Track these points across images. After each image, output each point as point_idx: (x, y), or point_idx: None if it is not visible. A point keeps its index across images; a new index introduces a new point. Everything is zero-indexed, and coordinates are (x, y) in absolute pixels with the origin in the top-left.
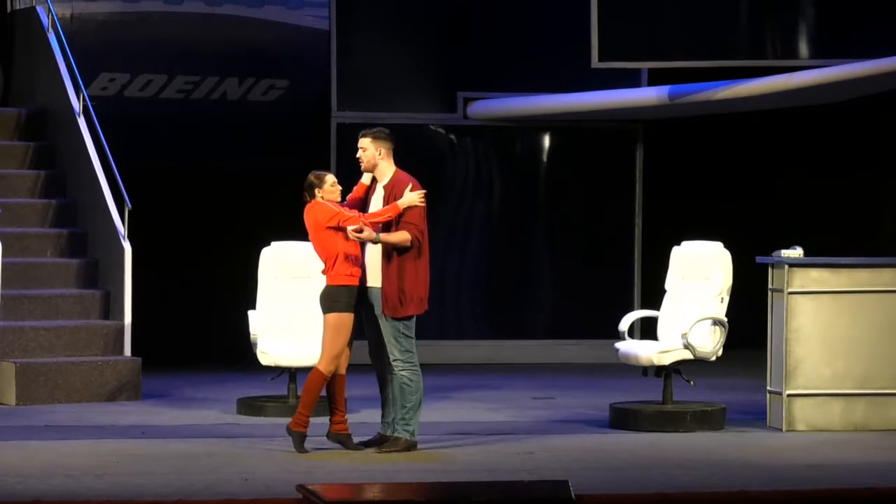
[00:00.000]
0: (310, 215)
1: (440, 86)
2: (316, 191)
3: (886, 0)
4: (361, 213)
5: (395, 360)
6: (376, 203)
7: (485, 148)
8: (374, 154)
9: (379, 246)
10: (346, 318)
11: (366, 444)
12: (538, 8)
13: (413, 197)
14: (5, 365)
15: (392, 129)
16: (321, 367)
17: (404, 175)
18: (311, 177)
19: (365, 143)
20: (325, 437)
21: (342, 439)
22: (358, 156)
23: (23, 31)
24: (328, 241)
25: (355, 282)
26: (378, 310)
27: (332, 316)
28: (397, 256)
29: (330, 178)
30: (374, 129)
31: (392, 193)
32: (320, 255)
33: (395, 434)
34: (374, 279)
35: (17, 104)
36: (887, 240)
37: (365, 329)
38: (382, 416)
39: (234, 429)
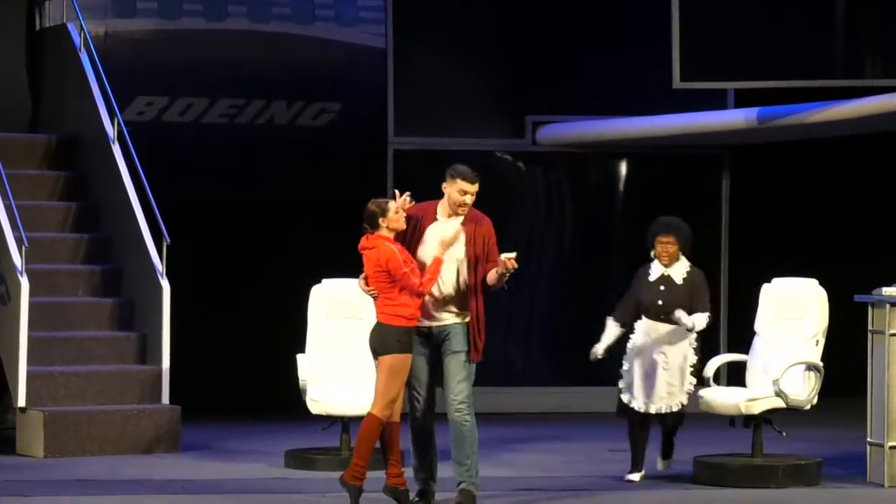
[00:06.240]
0: (371, 252)
1: (507, 109)
2: (380, 220)
3: None
4: (416, 263)
5: (460, 403)
6: (462, 244)
7: (556, 176)
8: None
9: (454, 281)
10: (404, 360)
11: (420, 498)
12: (613, 24)
13: (439, 249)
14: (33, 413)
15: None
16: (376, 412)
17: (474, 210)
18: (372, 206)
19: (476, 188)
20: (380, 493)
21: (399, 495)
22: (468, 202)
23: (52, 50)
24: (386, 281)
25: (414, 323)
26: (457, 347)
27: (388, 357)
28: (482, 295)
29: (393, 206)
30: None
31: (476, 231)
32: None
33: (463, 486)
34: (451, 317)
35: (47, 130)
36: None
37: (421, 373)
38: (423, 468)
39: (282, 484)
